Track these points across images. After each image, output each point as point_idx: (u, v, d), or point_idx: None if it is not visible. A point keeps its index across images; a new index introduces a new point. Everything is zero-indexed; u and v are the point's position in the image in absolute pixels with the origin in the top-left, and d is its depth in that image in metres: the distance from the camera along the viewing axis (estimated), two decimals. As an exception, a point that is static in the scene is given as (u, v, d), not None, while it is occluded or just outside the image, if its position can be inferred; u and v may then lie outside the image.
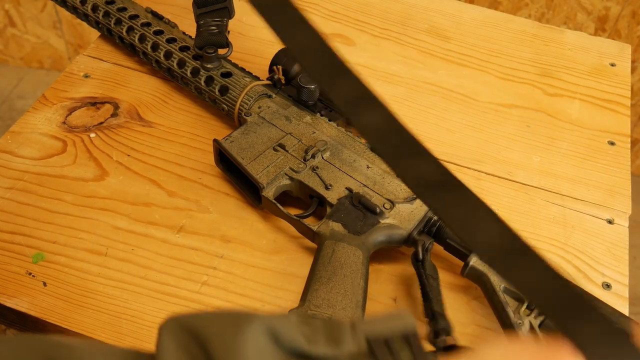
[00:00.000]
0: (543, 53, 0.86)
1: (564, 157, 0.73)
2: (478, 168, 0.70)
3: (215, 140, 0.62)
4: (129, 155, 0.68)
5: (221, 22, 0.68)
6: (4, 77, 1.92)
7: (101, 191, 0.64)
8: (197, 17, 0.68)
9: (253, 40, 0.83)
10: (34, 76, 1.93)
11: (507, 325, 0.51)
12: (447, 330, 0.50)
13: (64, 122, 0.71)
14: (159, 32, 0.72)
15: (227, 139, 0.62)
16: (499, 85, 0.81)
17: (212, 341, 0.27)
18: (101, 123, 0.71)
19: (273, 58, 0.69)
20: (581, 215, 0.67)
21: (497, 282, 0.52)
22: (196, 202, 0.64)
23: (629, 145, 0.75)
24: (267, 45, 0.82)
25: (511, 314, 0.50)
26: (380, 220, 0.57)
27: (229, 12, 0.69)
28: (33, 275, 0.57)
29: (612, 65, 0.86)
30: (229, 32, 0.68)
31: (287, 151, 0.62)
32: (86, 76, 0.77)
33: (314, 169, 0.61)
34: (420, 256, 0.55)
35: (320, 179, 0.60)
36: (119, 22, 0.74)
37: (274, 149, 0.62)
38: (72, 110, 0.73)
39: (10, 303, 0.55)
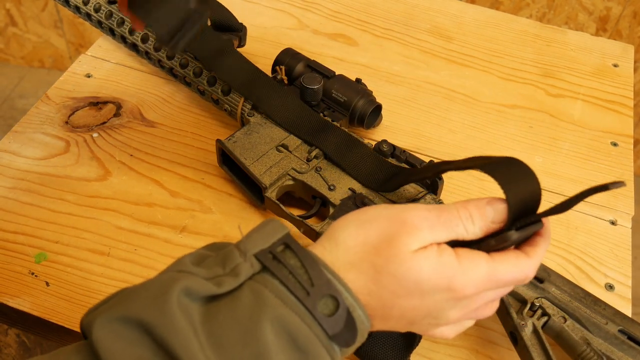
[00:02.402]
0: (545, 53, 0.86)
1: (567, 157, 0.73)
2: (480, 169, 0.70)
3: (218, 141, 0.62)
4: (131, 155, 0.68)
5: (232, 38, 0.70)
6: (5, 76, 1.92)
7: (104, 191, 0.64)
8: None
9: (256, 40, 0.83)
10: (35, 75, 1.93)
11: (509, 326, 0.51)
12: None
13: (67, 122, 0.71)
14: None
15: (229, 139, 0.62)
16: (501, 86, 0.81)
17: (145, 319, 0.32)
18: (104, 123, 0.71)
19: (276, 58, 0.69)
20: (584, 217, 0.67)
21: None
22: (199, 202, 0.64)
23: (632, 146, 0.75)
24: (270, 46, 0.82)
25: (514, 315, 0.50)
26: None
27: (240, 40, 0.71)
28: (36, 275, 0.57)
29: (615, 65, 0.86)
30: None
31: (290, 152, 0.62)
32: (89, 76, 0.77)
33: (317, 169, 0.61)
34: None
35: (324, 179, 0.60)
36: (121, 22, 0.74)
37: (277, 150, 0.62)
38: (74, 110, 0.73)
39: (12, 303, 0.55)
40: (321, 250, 0.39)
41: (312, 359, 0.34)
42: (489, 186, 0.68)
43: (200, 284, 0.34)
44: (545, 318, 0.50)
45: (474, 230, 0.39)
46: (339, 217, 0.40)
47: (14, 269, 0.58)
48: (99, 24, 0.77)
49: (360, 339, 0.37)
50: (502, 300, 0.52)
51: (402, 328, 0.40)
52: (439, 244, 0.38)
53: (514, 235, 0.38)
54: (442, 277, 0.37)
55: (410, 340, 0.51)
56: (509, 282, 0.39)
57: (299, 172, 0.61)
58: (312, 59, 0.70)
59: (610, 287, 0.60)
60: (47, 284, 0.57)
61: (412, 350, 0.51)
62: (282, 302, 0.34)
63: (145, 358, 0.31)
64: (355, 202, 0.58)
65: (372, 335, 0.50)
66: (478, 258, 0.38)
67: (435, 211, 0.38)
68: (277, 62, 0.69)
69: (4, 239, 0.60)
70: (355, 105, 0.66)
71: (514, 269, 0.38)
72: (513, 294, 0.52)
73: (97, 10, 0.76)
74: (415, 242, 0.37)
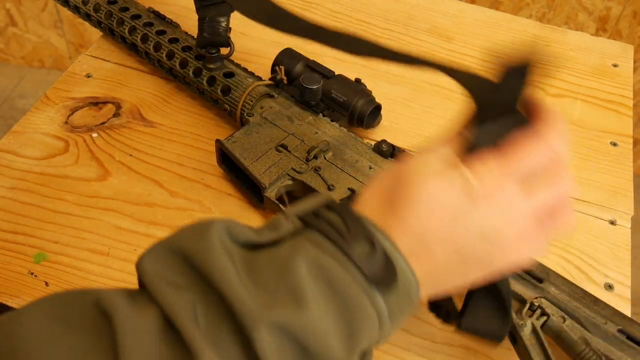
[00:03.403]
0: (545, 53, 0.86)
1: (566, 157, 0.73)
2: (480, 169, 0.70)
3: (217, 141, 0.62)
4: (131, 155, 0.68)
5: (223, 20, 0.67)
6: (5, 76, 1.92)
7: (103, 191, 0.64)
8: (198, 11, 0.67)
9: (256, 40, 0.83)
10: (35, 75, 1.93)
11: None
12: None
13: (66, 122, 0.71)
14: (161, 32, 0.72)
15: (229, 139, 0.62)
16: (501, 86, 0.81)
17: (186, 248, 0.33)
18: (103, 123, 0.71)
19: (275, 58, 0.69)
20: (583, 217, 0.67)
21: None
22: (199, 203, 0.64)
23: (632, 146, 0.75)
24: (270, 45, 0.82)
25: (513, 315, 0.50)
26: None
27: (230, 6, 0.67)
28: (35, 275, 0.57)
29: (615, 65, 0.86)
30: (230, 29, 0.68)
31: (289, 152, 0.62)
32: (88, 76, 0.77)
33: (316, 169, 0.61)
34: None
35: (323, 179, 0.60)
36: (121, 22, 0.74)
37: (277, 150, 0.62)
38: (74, 110, 0.73)
39: (12, 303, 0.55)
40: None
41: (348, 299, 0.33)
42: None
43: (241, 228, 0.35)
44: (545, 318, 0.50)
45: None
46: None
47: (13, 269, 0.58)
48: (99, 24, 0.77)
49: (405, 287, 0.35)
50: None
51: (460, 267, 0.37)
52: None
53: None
54: (450, 178, 0.36)
55: (500, 298, 0.46)
56: (528, 156, 0.36)
57: (298, 172, 0.61)
58: (311, 59, 0.70)
59: (609, 287, 0.60)
60: (47, 284, 0.57)
61: (509, 312, 0.46)
62: (317, 246, 0.34)
63: (180, 283, 0.32)
64: (355, 202, 0.58)
65: (468, 309, 0.47)
66: (481, 153, 0.37)
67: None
68: (277, 62, 0.69)
69: (3, 239, 0.60)
70: (354, 105, 0.66)
71: (524, 141, 0.37)
72: (512, 294, 0.52)
73: (96, 10, 0.76)
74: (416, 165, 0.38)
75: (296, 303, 0.31)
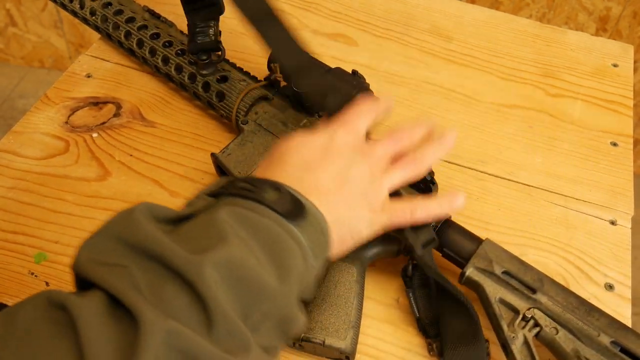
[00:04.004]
0: (545, 53, 0.86)
1: (566, 157, 0.73)
2: (480, 169, 0.70)
3: (212, 154, 0.62)
4: (131, 155, 0.68)
5: (212, 24, 0.66)
6: (5, 76, 1.92)
7: (103, 191, 0.64)
8: (187, 15, 0.66)
9: (254, 40, 0.82)
10: (35, 75, 1.93)
11: (501, 338, 0.51)
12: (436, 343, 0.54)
13: (67, 122, 0.71)
14: (155, 36, 0.71)
15: (224, 152, 0.62)
16: (501, 86, 0.81)
17: (115, 230, 0.35)
18: (103, 123, 0.71)
19: (270, 55, 0.68)
20: (583, 216, 0.67)
21: (493, 293, 0.52)
22: (198, 202, 0.64)
23: (632, 146, 0.75)
24: (269, 45, 0.82)
25: (505, 328, 0.50)
26: None
27: (219, 9, 0.66)
28: (35, 275, 0.57)
29: (615, 65, 0.86)
30: (220, 32, 0.67)
31: None
32: (88, 76, 0.77)
33: None
34: (410, 272, 0.55)
35: None
36: (116, 26, 0.74)
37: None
38: (74, 110, 0.73)
39: (12, 303, 0.55)
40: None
41: (268, 234, 0.37)
42: (489, 186, 0.68)
43: (161, 208, 0.38)
44: (537, 329, 0.50)
45: None
46: None
47: (13, 269, 0.58)
48: (96, 28, 0.77)
49: (314, 218, 0.41)
50: (493, 311, 0.52)
51: (347, 199, 0.46)
52: None
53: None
54: (310, 140, 0.48)
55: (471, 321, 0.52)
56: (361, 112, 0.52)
57: None
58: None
59: (610, 287, 0.60)
60: (47, 284, 0.57)
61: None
62: (233, 204, 0.39)
63: (114, 261, 0.34)
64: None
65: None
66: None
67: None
68: (272, 59, 0.68)
69: (3, 239, 0.60)
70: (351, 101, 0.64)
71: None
72: (505, 304, 0.52)
73: (92, 14, 0.75)
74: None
75: (223, 241, 0.35)
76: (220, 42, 0.66)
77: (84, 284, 0.34)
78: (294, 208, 0.40)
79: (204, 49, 0.66)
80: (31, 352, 0.30)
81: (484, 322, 0.52)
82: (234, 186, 0.41)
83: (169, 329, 0.30)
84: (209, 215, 0.38)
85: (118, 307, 0.31)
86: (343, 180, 0.46)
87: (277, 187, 0.41)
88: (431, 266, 0.52)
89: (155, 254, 0.33)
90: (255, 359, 0.34)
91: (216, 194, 0.41)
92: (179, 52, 0.70)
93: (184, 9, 0.66)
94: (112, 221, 0.36)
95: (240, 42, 0.79)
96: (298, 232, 0.39)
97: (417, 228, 0.52)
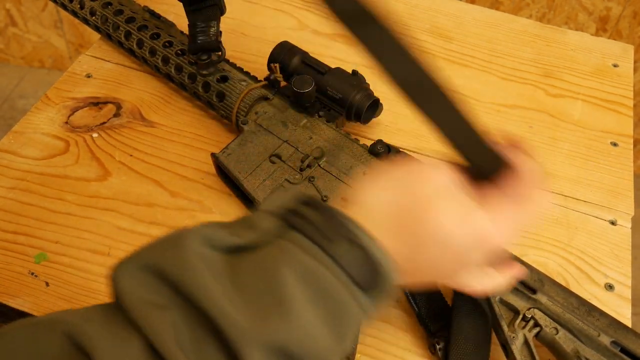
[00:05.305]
0: (545, 53, 0.86)
1: (567, 157, 0.73)
2: (480, 169, 0.70)
3: (213, 155, 0.62)
4: (131, 155, 0.68)
5: (213, 24, 0.66)
6: (5, 76, 1.92)
7: (104, 191, 0.64)
8: (188, 15, 0.66)
9: (255, 40, 0.83)
10: (35, 75, 1.93)
11: (501, 338, 0.51)
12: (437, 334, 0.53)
13: (67, 122, 0.71)
14: (155, 36, 0.72)
15: (224, 152, 0.62)
16: (501, 86, 0.81)
17: (161, 264, 0.31)
18: (104, 123, 0.71)
19: (272, 52, 0.68)
20: (584, 217, 0.67)
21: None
22: (199, 203, 0.64)
23: (632, 146, 0.75)
24: (270, 45, 0.82)
25: (505, 328, 0.50)
26: None
27: (219, 9, 0.67)
28: (36, 275, 0.57)
29: (615, 66, 0.86)
30: (220, 33, 0.67)
31: (283, 162, 0.61)
32: (89, 76, 0.77)
33: (310, 179, 0.60)
34: None
35: (317, 189, 0.59)
36: (116, 27, 0.74)
37: (271, 161, 0.61)
38: (74, 110, 0.73)
39: (13, 303, 0.55)
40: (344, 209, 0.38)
41: (336, 302, 0.33)
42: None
43: (217, 232, 0.34)
44: (537, 329, 0.50)
45: None
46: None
47: (14, 269, 0.58)
48: (97, 28, 0.77)
49: (386, 285, 0.35)
50: (494, 311, 0.52)
51: (433, 277, 0.40)
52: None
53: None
54: (466, 212, 0.38)
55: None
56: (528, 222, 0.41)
57: (292, 183, 0.60)
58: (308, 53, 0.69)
59: (610, 287, 0.60)
60: (47, 284, 0.57)
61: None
62: (302, 249, 0.33)
63: (161, 303, 0.30)
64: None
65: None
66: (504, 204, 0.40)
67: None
68: (272, 59, 0.68)
69: (4, 239, 0.60)
70: (351, 101, 0.64)
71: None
72: (506, 304, 0.52)
73: (92, 14, 0.75)
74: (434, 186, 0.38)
75: (285, 314, 0.31)
76: (220, 42, 0.66)
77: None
78: (368, 272, 0.34)
79: (204, 48, 0.66)
80: None
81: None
82: (306, 218, 0.35)
83: None
84: (274, 263, 0.33)
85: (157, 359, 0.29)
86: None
87: (356, 242, 0.35)
88: None
89: (203, 309, 0.30)
90: None
91: (285, 219, 0.35)
92: (179, 52, 0.70)
93: (185, 9, 0.65)
94: (159, 247, 0.33)
95: (240, 42, 0.79)
96: (365, 299, 0.34)
97: None
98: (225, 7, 0.67)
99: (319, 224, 0.35)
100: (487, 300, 0.52)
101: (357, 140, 0.63)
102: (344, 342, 0.33)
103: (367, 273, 0.34)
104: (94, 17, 0.75)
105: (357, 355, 0.54)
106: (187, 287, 0.30)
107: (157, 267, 0.31)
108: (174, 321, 0.30)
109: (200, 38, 0.66)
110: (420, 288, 0.42)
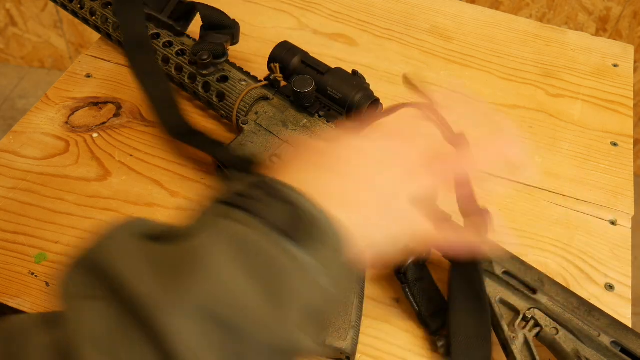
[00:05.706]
0: (545, 53, 0.86)
1: (567, 157, 0.73)
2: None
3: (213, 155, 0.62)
4: (131, 155, 0.68)
5: (222, 39, 0.68)
6: (5, 76, 1.92)
7: (104, 191, 0.64)
8: (201, 32, 0.69)
9: (255, 40, 0.83)
10: (35, 75, 1.93)
11: (501, 338, 0.51)
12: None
13: (67, 122, 0.71)
14: (156, 36, 0.71)
15: None
16: (501, 86, 0.81)
17: (89, 257, 0.32)
18: (104, 123, 0.71)
19: (270, 55, 0.68)
20: (584, 217, 0.67)
21: (493, 294, 0.52)
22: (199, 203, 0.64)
23: (632, 146, 0.75)
24: (270, 45, 0.82)
25: (505, 328, 0.50)
26: None
27: (233, 37, 0.69)
28: (36, 276, 0.57)
29: (615, 66, 0.86)
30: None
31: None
32: (88, 76, 0.77)
33: None
34: (403, 268, 0.55)
35: None
36: (116, 27, 0.74)
37: (270, 161, 0.61)
38: (74, 110, 0.73)
39: (12, 303, 0.55)
40: None
41: (258, 254, 0.31)
42: (489, 186, 0.68)
43: (149, 222, 0.34)
44: (538, 329, 0.50)
45: None
46: None
47: (14, 269, 0.58)
48: (96, 28, 0.77)
49: (328, 237, 0.34)
50: (494, 311, 0.52)
51: (385, 230, 0.40)
52: None
53: None
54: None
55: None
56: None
57: None
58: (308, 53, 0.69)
59: (610, 287, 0.60)
60: (47, 284, 0.57)
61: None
62: (224, 216, 0.33)
63: (92, 294, 0.30)
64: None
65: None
66: None
67: None
68: (272, 59, 0.68)
69: (4, 239, 0.60)
70: (351, 101, 0.64)
71: None
72: (506, 304, 0.52)
73: (92, 14, 0.75)
74: None
75: (202, 273, 0.29)
76: (225, 48, 0.68)
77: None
78: (294, 221, 0.33)
79: (207, 49, 0.67)
80: None
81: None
82: (234, 191, 0.35)
83: None
84: (192, 234, 0.32)
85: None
86: None
87: (269, 191, 0.34)
88: None
89: (123, 294, 0.29)
90: None
91: (215, 199, 0.36)
92: (179, 52, 0.70)
93: (201, 32, 0.68)
94: (94, 242, 0.33)
95: (240, 42, 0.79)
96: (298, 249, 0.32)
97: None
98: (238, 37, 0.70)
99: (242, 191, 0.35)
100: (489, 300, 0.52)
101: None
102: (282, 302, 0.31)
103: (300, 225, 0.33)
104: (94, 17, 0.75)
105: (357, 355, 0.54)
106: (111, 277, 0.30)
107: (88, 261, 0.32)
108: (101, 310, 0.29)
109: (210, 43, 0.68)
110: (392, 254, 0.40)
